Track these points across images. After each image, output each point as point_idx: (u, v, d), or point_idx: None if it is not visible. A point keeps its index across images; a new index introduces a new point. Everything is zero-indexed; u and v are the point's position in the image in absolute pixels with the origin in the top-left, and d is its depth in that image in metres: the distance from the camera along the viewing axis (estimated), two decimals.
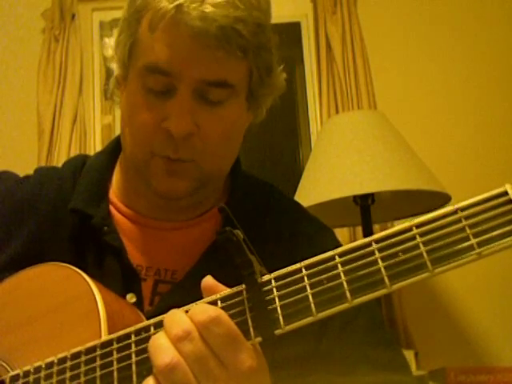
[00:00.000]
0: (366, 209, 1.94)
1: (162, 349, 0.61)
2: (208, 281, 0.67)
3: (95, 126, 2.56)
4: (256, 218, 0.93)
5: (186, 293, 0.68)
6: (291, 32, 2.63)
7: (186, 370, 0.60)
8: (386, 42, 2.55)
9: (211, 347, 0.61)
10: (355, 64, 2.44)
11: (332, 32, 2.48)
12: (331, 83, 2.45)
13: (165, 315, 0.66)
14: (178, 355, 0.61)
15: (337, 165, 1.87)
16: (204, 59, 0.80)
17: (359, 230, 2.17)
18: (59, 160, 2.32)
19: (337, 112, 2.40)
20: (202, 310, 0.63)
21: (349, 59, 2.45)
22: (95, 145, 2.51)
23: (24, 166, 1.04)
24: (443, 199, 1.87)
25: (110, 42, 0.91)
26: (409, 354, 1.85)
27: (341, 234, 2.27)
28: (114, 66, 0.91)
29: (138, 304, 0.86)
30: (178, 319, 0.63)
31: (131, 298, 0.87)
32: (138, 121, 0.85)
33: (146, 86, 0.83)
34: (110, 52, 0.92)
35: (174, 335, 0.62)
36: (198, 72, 0.81)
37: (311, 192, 1.89)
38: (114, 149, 1.00)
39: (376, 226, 2.15)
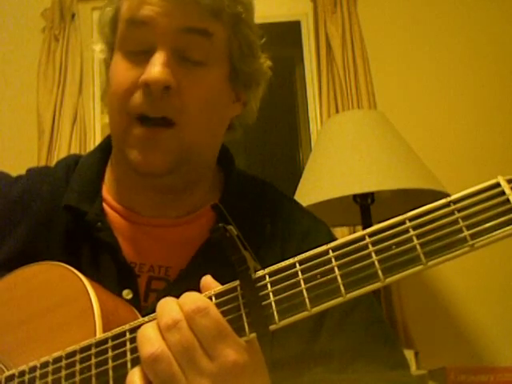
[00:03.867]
0: (365, 208, 1.94)
1: (148, 338, 0.62)
2: (207, 279, 0.67)
3: (95, 125, 2.56)
4: (251, 215, 0.93)
5: (182, 290, 0.68)
6: (291, 32, 2.64)
7: (171, 361, 0.60)
8: (386, 42, 2.55)
9: (198, 338, 0.61)
10: (355, 64, 2.44)
11: (332, 32, 2.48)
12: (331, 83, 2.45)
13: (157, 303, 0.65)
14: (163, 345, 0.61)
15: (337, 164, 1.87)
16: (181, 9, 0.82)
17: (359, 229, 2.17)
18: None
19: (337, 112, 2.40)
20: (191, 299, 0.63)
21: (349, 59, 2.45)
22: (95, 144, 2.47)
23: (24, 166, 1.04)
24: (443, 198, 1.86)
25: (96, 36, 0.94)
26: (409, 354, 1.85)
27: (341, 233, 2.28)
28: (103, 56, 0.93)
29: (135, 300, 0.86)
30: (168, 308, 0.63)
31: (127, 294, 0.86)
32: (117, 84, 0.85)
33: (126, 50, 0.85)
34: (98, 46, 0.93)
35: (163, 323, 0.62)
36: (176, 20, 0.82)
37: (311, 192, 1.89)
38: (106, 147, 0.99)
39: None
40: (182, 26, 0.83)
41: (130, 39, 0.85)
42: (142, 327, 0.64)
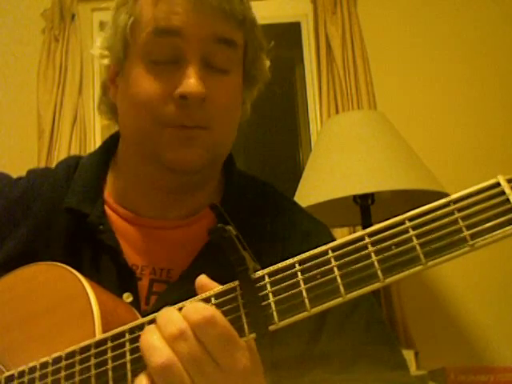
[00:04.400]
0: (365, 209, 1.94)
1: (156, 348, 0.61)
2: (201, 279, 0.66)
3: (95, 125, 2.56)
4: (251, 216, 0.93)
5: (183, 292, 0.67)
6: (291, 32, 2.64)
7: (181, 370, 0.60)
8: (386, 42, 2.55)
9: (206, 347, 0.61)
10: (355, 64, 2.44)
11: (332, 32, 2.48)
12: (331, 83, 2.45)
13: (157, 313, 0.65)
14: (173, 355, 0.60)
15: (337, 165, 1.87)
16: (208, 19, 0.83)
17: (359, 229, 2.17)
18: (59, 160, 2.31)
19: (337, 112, 2.40)
20: (195, 309, 0.62)
21: (349, 59, 2.45)
22: (95, 145, 2.51)
23: (24, 166, 1.04)
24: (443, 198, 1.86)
25: (97, 42, 0.93)
26: (409, 354, 1.84)
27: (341, 233, 2.28)
28: (106, 62, 0.92)
29: (135, 303, 0.86)
30: (172, 318, 0.62)
31: (128, 297, 0.86)
32: (146, 94, 0.84)
33: (152, 60, 0.84)
34: (97, 51, 0.92)
35: (168, 333, 0.61)
36: (204, 29, 0.83)
37: (311, 192, 1.89)
38: (107, 149, 0.99)
39: None
40: (210, 35, 0.83)
41: (156, 49, 0.84)
42: (145, 336, 0.63)
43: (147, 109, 0.84)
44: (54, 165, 1.04)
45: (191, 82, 0.81)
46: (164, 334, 0.61)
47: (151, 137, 0.85)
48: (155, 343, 0.61)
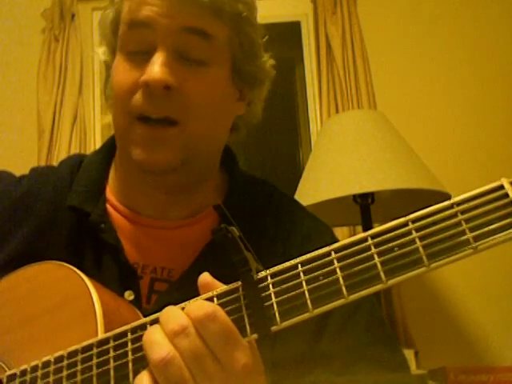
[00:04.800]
0: (365, 208, 1.94)
1: (157, 343, 0.61)
2: (205, 277, 0.66)
3: (95, 125, 2.56)
4: (254, 216, 0.93)
5: (184, 291, 0.68)
6: (291, 32, 2.64)
7: (182, 365, 0.60)
8: (385, 42, 2.55)
9: (207, 343, 0.61)
10: (355, 64, 2.44)
11: (332, 32, 2.48)
12: (331, 83, 2.45)
13: (161, 312, 0.65)
14: (173, 350, 0.60)
15: (337, 164, 1.87)
16: (181, 9, 0.82)
17: (359, 229, 2.17)
18: (59, 160, 2.30)
19: (337, 112, 2.39)
20: (198, 306, 0.62)
21: (349, 59, 2.45)
22: (95, 145, 2.51)
23: (24, 166, 1.04)
24: (443, 198, 1.84)
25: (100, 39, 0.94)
26: (409, 354, 1.85)
27: (341, 233, 2.28)
28: (105, 58, 0.93)
29: (136, 302, 0.86)
30: (174, 314, 0.63)
31: (129, 295, 0.86)
32: (119, 85, 0.85)
33: (127, 51, 0.85)
34: (101, 49, 0.94)
35: (170, 330, 0.61)
36: (176, 20, 0.82)
37: (311, 191, 1.89)
38: (109, 147, 0.99)
39: (376, 225, 2.14)
40: (181, 25, 0.83)
41: (130, 40, 0.85)
42: (147, 332, 0.63)
43: (119, 100, 0.85)
44: (54, 164, 1.04)
45: (153, 69, 0.81)
46: (166, 330, 0.62)
47: (123, 131, 0.86)
48: (156, 339, 0.62)
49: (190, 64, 0.84)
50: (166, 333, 0.62)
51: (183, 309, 0.64)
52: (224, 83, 0.89)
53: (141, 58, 0.84)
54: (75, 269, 0.80)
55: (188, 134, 0.84)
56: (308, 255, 0.63)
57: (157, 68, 0.81)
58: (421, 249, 0.57)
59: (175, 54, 0.83)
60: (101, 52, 0.93)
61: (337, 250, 0.61)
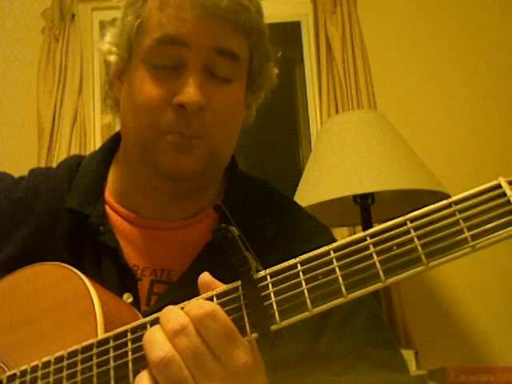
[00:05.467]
0: (366, 208, 1.94)
1: (157, 343, 0.61)
2: (204, 277, 0.66)
3: (95, 125, 2.56)
4: (253, 217, 0.93)
5: (183, 293, 0.68)
6: (291, 32, 2.64)
7: (181, 365, 0.60)
8: (385, 42, 2.55)
9: (207, 342, 0.61)
10: (355, 64, 2.45)
11: (332, 32, 2.48)
12: (331, 83, 2.45)
13: (161, 312, 0.65)
14: (173, 349, 0.60)
15: (337, 165, 1.87)
16: (214, 29, 0.83)
17: (359, 229, 2.17)
18: (59, 160, 2.29)
19: (337, 112, 2.40)
20: (197, 305, 0.63)
21: (349, 59, 2.45)
22: (95, 145, 2.51)
23: (24, 166, 1.04)
24: (443, 198, 1.86)
25: (107, 37, 0.92)
26: (409, 354, 1.84)
27: (341, 233, 2.28)
28: (112, 59, 0.92)
29: (135, 304, 0.86)
30: (173, 314, 0.63)
31: (128, 297, 0.86)
32: (146, 98, 0.84)
33: (153, 64, 0.84)
34: (106, 46, 0.92)
35: (169, 329, 0.61)
36: (209, 39, 0.83)
37: (311, 192, 1.89)
38: (109, 148, 0.99)
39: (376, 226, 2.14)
40: (214, 46, 0.83)
41: (158, 54, 0.84)
42: (148, 332, 0.64)
43: (146, 114, 0.84)
44: (54, 164, 1.04)
45: (190, 92, 0.81)
46: (165, 330, 0.62)
47: (148, 141, 0.85)
48: (156, 338, 0.62)
49: (217, 81, 0.85)
50: (166, 332, 0.62)
51: (183, 308, 0.64)
52: (243, 96, 0.91)
53: (168, 72, 0.83)
54: (75, 269, 0.80)
55: (212, 143, 0.86)
56: (307, 254, 0.63)
57: (193, 90, 0.81)
58: (419, 247, 0.57)
59: (205, 72, 0.84)
60: (106, 50, 0.92)
61: (336, 249, 0.61)
